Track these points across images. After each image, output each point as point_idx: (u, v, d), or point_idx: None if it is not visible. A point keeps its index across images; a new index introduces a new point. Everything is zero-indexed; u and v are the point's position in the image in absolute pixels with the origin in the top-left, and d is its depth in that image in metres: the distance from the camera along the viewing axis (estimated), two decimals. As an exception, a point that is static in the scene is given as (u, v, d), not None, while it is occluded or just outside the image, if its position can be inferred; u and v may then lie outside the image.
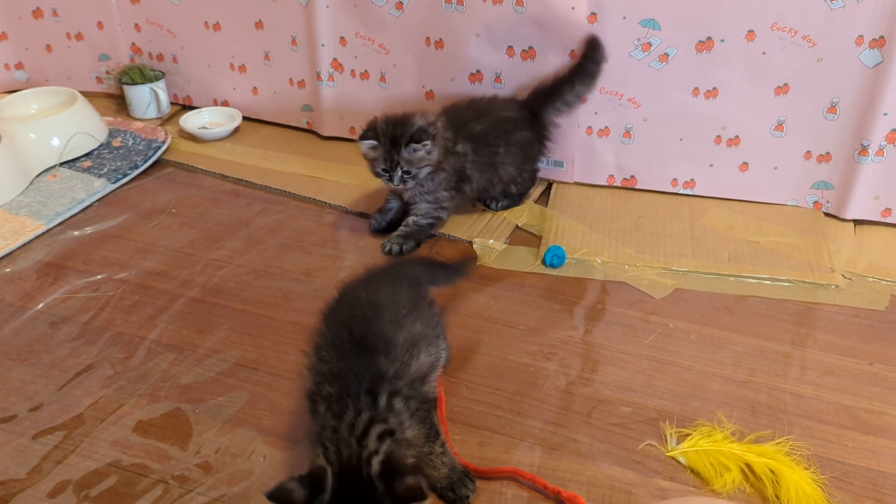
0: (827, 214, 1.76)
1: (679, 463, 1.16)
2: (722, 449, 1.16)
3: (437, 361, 1.16)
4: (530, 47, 1.75)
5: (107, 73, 2.28)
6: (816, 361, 1.37)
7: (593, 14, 1.66)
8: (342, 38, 1.97)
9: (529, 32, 1.73)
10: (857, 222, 1.74)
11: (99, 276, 1.57)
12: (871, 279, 1.56)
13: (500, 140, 1.70)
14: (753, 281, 1.56)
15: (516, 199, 1.81)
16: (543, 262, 1.61)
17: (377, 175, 1.62)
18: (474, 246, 1.67)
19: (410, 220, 1.68)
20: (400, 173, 1.59)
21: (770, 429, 1.21)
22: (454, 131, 1.65)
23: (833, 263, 1.59)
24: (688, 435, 1.20)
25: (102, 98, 2.33)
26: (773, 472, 1.12)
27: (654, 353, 1.38)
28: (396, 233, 1.68)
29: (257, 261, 1.62)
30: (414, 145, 1.56)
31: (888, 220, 1.71)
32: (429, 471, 1.06)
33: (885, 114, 1.59)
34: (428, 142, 1.56)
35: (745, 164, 1.76)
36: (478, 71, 1.84)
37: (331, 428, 0.95)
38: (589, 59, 1.69)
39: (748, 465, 1.14)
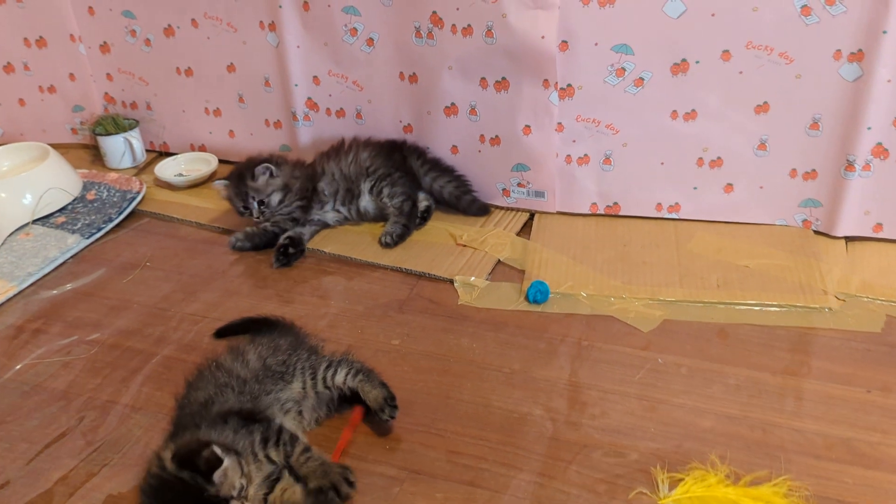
0: (817, 232, 1.71)
1: (672, 511, 1.11)
2: (716, 494, 1.11)
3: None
4: (503, 78, 1.71)
5: (81, 124, 2.26)
6: (812, 391, 1.31)
7: (564, 42, 1.63)
8: (315, 77, 1.94)
9: (501, 63, 1.69)
10: (848, 239, 1.69)
11: (71, 339, 1.52)
12: (866, 299, 1.51)
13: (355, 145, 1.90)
14: (743, 308, 1.51)
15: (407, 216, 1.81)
16: (527, 299, 1.56)
17: (241, 214, 1.79)
18: (455, 284, 1.63)
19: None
20: (256, 205, 1.76)
21: (766, 468, 1.16)
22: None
23: (825, 284, 1.54)
24: (681, 480, 1.14)
25: (79, 149, 2.30)
26: (770, 517, 1.07)
27: (643, 390, 1.33)
28: (278, 244, 1.76)
29: (233, 313, 1.58)
30: (255, 172, 1.75)
31: (880, 235, 1.67)
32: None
33: (868, 128, 1.55)
34: (270, 165, 1.76)
35: (730, 185, 1.72)
36: (452, 104, 1.80)
37: None
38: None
39: (744, 511, 1.09)
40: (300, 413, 1.24)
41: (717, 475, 1.14)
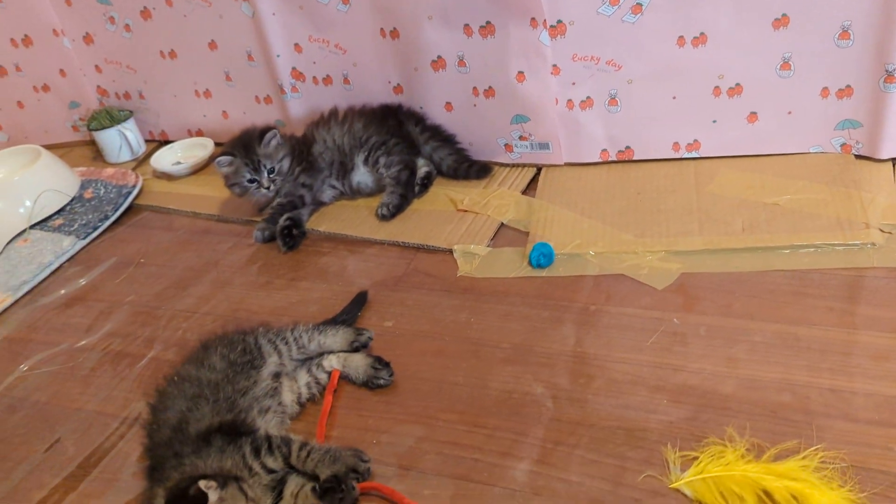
0: (859, 157, 1.51)
1: (685, 496, 0.98)
2: (734, 474, 0.97)
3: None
4: (488, 22, 1.56)
5: (80, 120, 2.21)
6: (852, 343, 1.15)
7: (547, -27, 1.46)
8: (296, 44, 1.82)
9: (483, 5, 1.54)
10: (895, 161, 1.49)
11: (60, 347, 1.48)
12: (916, 229, 1.32)
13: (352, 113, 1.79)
14: (772, 252, 1.34)
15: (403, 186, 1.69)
16: (530, 264, 1.43)
17: (244, 189, 1.68)
18: (455, 254, 1.51)
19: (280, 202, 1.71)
20: (266, 173, 1.65)
21: (796, 438, 1.02)
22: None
23: (868, 216, 1.35)
24: (695, 458, 1.01)
25: (82, 147, 2.26)
26: (796, 498, 0.93)
27: (655, 357, 1.19)
28: (279, 226, 1.66)
29: (224, 306, 1.51)
30: (266, 137, 1.65)
31: (933, 152, 1.46)
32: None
33: (908, 30, 1.34)
34: (275, 130, 1.67)
35: (754, 113, 1.53)
36: (439, 57, 1.66)
37: None
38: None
39: (767, 492, 0.95)
40: (280, 405, 1.16)
41: (735, 451, 1.00)
